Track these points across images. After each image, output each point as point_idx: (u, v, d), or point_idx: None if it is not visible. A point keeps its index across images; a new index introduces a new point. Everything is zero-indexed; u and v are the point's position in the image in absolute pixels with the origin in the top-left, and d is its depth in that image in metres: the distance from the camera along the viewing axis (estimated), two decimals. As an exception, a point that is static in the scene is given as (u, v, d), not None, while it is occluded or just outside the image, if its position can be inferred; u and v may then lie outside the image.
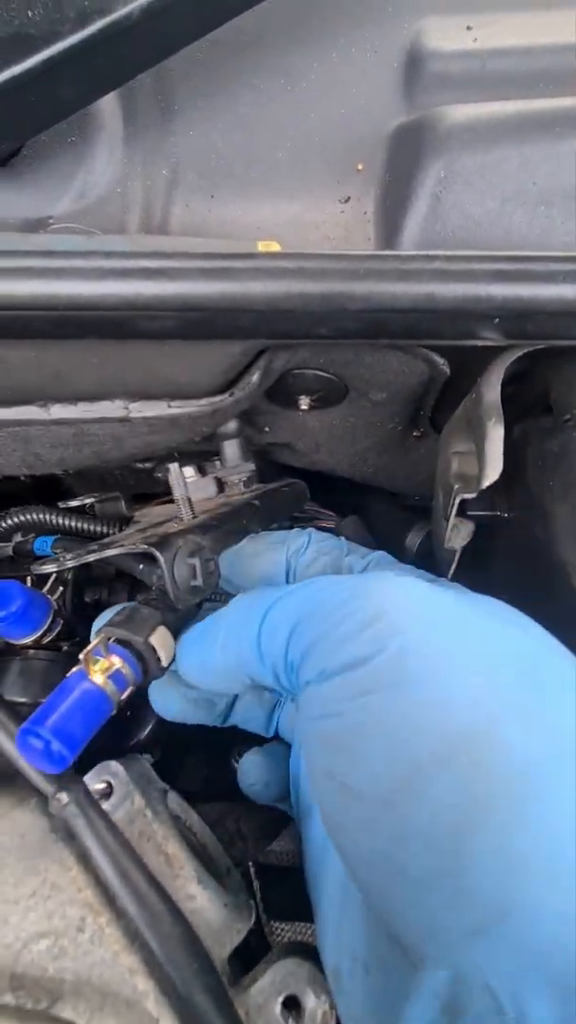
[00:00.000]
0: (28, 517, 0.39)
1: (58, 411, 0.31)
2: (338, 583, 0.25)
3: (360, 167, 0.32)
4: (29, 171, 0.32)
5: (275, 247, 0.28)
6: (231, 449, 0.38)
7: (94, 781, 0.27)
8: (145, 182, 0.33)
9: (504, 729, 0.19)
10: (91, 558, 0.29)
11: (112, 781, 0.27)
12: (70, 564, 0.30)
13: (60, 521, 0.40)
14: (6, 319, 0.25)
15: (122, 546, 0.29)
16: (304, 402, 0.36)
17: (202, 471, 0.41)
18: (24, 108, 0.28)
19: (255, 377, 0.31)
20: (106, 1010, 0.20)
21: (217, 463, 0.40)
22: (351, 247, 0.31)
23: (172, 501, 0.34)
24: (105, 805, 0.26)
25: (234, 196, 0.32)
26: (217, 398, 0.31)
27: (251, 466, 0.39)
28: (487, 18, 0.31)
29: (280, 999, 0.24)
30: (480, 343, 0.27)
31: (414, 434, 0.42)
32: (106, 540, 0.34)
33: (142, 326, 0.25)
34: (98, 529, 0.41)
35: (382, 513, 0.59)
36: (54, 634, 0.33)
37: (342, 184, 0.32)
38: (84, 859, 0.24)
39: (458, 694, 0.20)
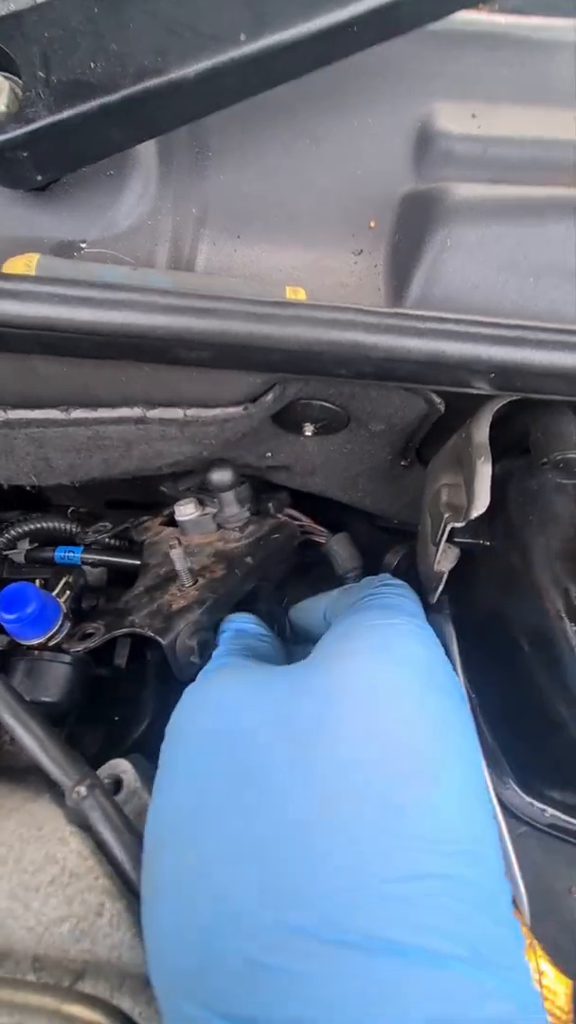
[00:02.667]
0: (46, 525, 0.41)
1: (78, 413, 0.33)
2: None
3: (372, 224, 0.36)
4: (67, 197, 0.34)
5: (301, 293, 0.31)
6: (228, 498, 0.41)
7: (104, 777, 0.29)
8: (175, 218, 0.35)
9: None
10: (119, 634, 0.32)
11: (122, 778, 0.29)
12: (107, 638, 0.33)
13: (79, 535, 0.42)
14: (57, 339, 0.27)
15: (136, 626, 0.33)
16: (308, 428, 0.39)
17: (202, 504, 0.44)
18: (74, 145, 0.30)
19: (269, 398, 0.34)
20: (124, 988, 0.22)
21: (216, 501, 0.43)
22: (363, 295, 0.35)
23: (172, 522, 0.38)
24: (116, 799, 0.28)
25: (258, 239, 0.35)
26: (231, 410, 0.34)
27: (246, 513, 0.42)
28: (490, 108, 0.35)
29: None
30: (474, 391, 0.30)
31: (402, 463, 0.46)
32: (126, 602, 0.37)
33: (181, 355, 0.28)
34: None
35: (361, 533, 0.62)
36: (62, 636, 0.35)
37: (356, 238, 0.36)
38: (100, 849, 0.25)
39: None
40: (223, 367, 0.29)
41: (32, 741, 0.27)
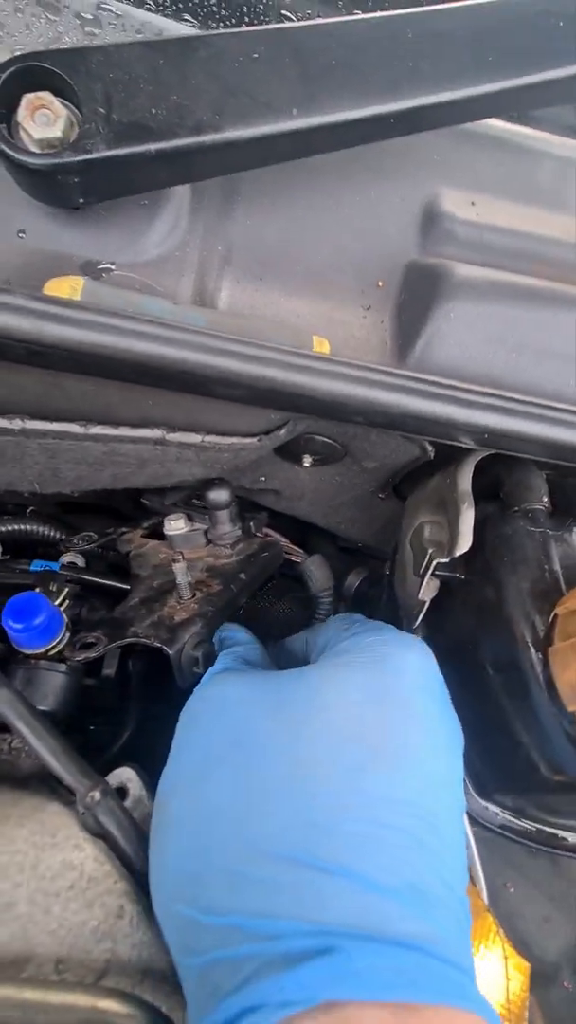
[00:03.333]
0: (26, 528, 0.41)
1: (97, 430, 0.34)
2: None
3: (380, 284, 0.40)
4: (100, 219, 0.35)
5: (326, 345, 0.34)
6: (222, 517, 0.43)
7: (113, 784, 0.30)
8: (202, 253, 0.37)
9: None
10: (122, 643, 0.33)
11: (127, 785, 0.30)
12: (110, 647, 0.34)
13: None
14: (101, 365, 0.28)
15: (139, 636, 0.35)
16: (307, 460, 0.42)
17: (191, 520, 0.45)
18: (122, 178, 0.32)
19: (282, 432, 0.37)
20: (145, 984, 0.23)
21: (207, 517, 0.45)
22: (371, 348, 0.38)
23: (157, 535, 0.40)
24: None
25: (278, 284, 0.38)
26: (247, 440, 0.36)
27: (238, 531, 0.44)
28: (489, 199, 0.41)
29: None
30: (462, 445, 0.35)
31: (380, 495, 0.50)
32: (123, 613, 0.38)
33: (218, 391, 0.30)
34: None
35: (326, 555, 0.66)
36: (61, 646, 0.35)
37: (365, 294, 0.40)
38: (115, 853, 0.26)
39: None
40: (253, 404, 0.31)
41: (45, 748, 0.28)
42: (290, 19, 0.39)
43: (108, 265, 0.35)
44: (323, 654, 0.34)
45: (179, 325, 0.28)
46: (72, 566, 0.45)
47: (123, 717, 0.40)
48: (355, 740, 0.26)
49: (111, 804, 0.27)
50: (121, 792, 0.30)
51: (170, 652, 0.32)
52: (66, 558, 0.46)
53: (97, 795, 0.27)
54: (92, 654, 0.32)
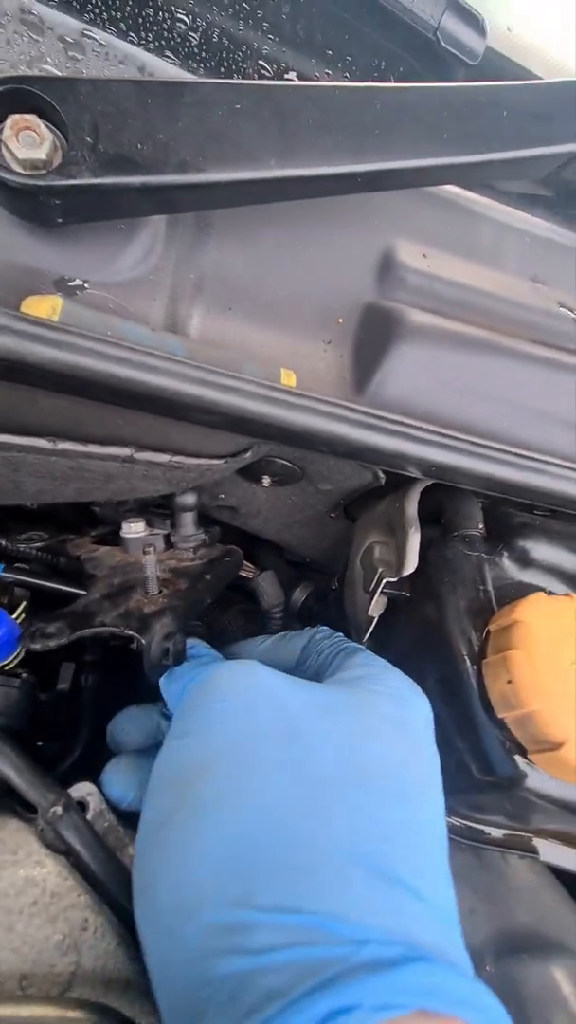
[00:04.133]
0: None
1: (65, 445, 0.34)
2: None
3: (340, 320, 0.43)
4: (76, 238, 0.36)
5: (292, 377, 0.37)
6: (187, 519, 0.44)
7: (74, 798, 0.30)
8: (175, 279, 0.39)
9: None
10: (88, 633, 0.33)
11: (88, 800, 0.30)
12: (74, 636, 0.33)
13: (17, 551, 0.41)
14: (80, 385, 0.29)
15: (107, 626, 0.35)
16: (266, 480, 0.44)
17: (150, 525, 0.46)
18: (104, 205, 0.33)
19: (248, 455, 0.39)
20: (110, 993, 0.24)
21: (167, 522, 0.46)
22: (331, 381, 0.41)
23: (107, 542, 0.40)
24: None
25: (246, 315, 0.40)
26: (215, 461, 0.38)
27: (202, 535, 0.45)
28: (439, 252, 0.45)
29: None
30: (410, 474, 0.39)
31: (331, 515, 0.53)
32: (85, 606, 0.37)
33: (193, 416, 0.31)
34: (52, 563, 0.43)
35: (273, 568, 0.68)
36: (17, 660, 0.35)
37: (325, 329, 0.43)
38: (79, 867, 0.27)
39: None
40: (224, 430, 0.33)
41: (7, 763, 0.27)
42: (266, 69, 0.42)
43: (81, 283, 0.36)
44: (336, 673, 0.35)
45: (160, 353, 0.29)
46: (17, 569, 0.43)
47: (74, 733, 0.40)
48: (397, 764, 0.28)
49: (74, 818, 0.27)
50: (81, 806, 0.30)
51: (143, 640, 0.32)
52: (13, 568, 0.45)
53: (59, 809, 0.27)
54: (52, 643, 0.32)
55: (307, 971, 0.20)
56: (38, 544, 0.43)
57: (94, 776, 0.38)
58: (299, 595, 0.67)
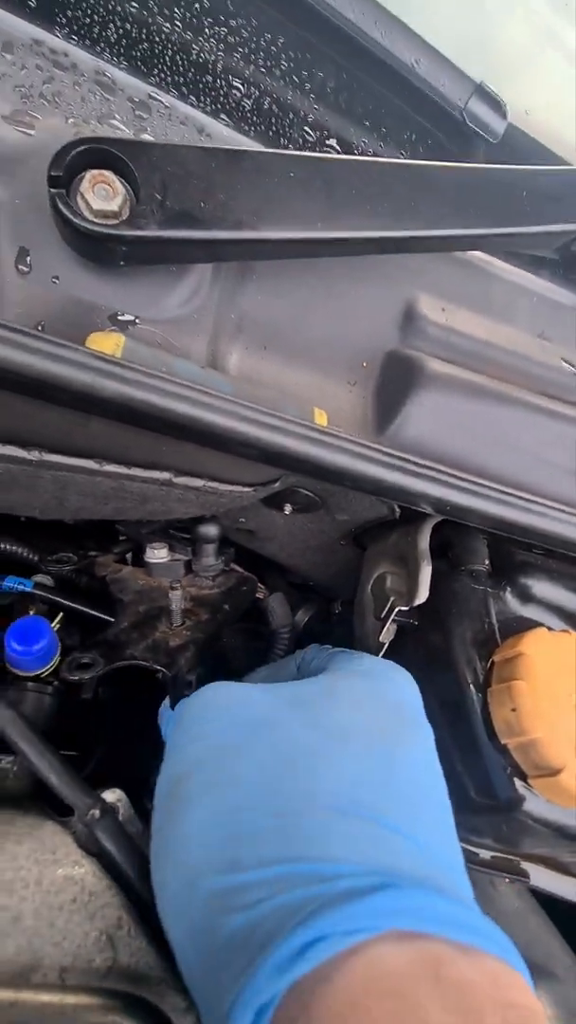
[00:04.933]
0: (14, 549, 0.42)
1: (111, 468, 0.37)
2: None
3: (364, 364, 0.47)
4: (130, 277, 0.39)
5: (324, 417, 0.40)
6: (209, 550, 0.47)
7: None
8: (217, 319, 0.42)
9: None
10: (120, 665, 0.36)
11: (118, 805, 0.32)
12: (104, 670, 0.36)
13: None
14: (138, 417, 0.31)
15: (137, 659, 0.37)
16: (288, 508, 0.47)
17: (172, 549, 0.48)
18: (164, 253, 0.36)
19: (276, 484, 0.41)
20: (142, 986, 0.26)
21: (189, 549, 0.48)
22: (355, 421, 0.44)
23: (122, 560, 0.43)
24: (117, 824, 0.31)
25: (280, 355, 0.44)
26: (246, 489, 0.41)
27: (221, 565, 0.48)
28: (456, 307, 0.49)
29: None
30: (425, 511, 0.42)
31: (341, 542, 0.56)
32: (115, 636, 0.40)
33: (236, 449, 0.34)
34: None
35: (277, 589, 0.71)
36: (51, 670, 0.36)
37: (351, 371, 0.46)
38: (113, 868, 0.28)
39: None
40: (260, 462, 0.36)
41: (48, 767, 0.29)
42: (310, 134, 0.46)
43: (133, 318, 0.39)
44: (323, 671, 0.38)
45: (212, 392, 0.32)
46: (42, 586, 0.46)
47: (91, 742, 0.42)
48: (369, 730, 0.30)
49: (109, 823, 0.29)
50: (115, 810, 0.32)
51: (170, 675, 0.34)
52: (37, 578, 0.47)
53: (97, 813, 0.29)
54: (87, 675, 0.34)
55: (291, 912, 0.21)
56: (69, 566, 0.45)
57: (108, 785, 0.40)
58: (302, 616, 0.69)
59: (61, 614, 0.39)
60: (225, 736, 0.30)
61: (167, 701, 0.37)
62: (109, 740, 0.43)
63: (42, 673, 0.35)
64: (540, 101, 0.53)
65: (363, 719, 0.31)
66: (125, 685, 0.49)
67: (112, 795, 0.32)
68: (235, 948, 0.21)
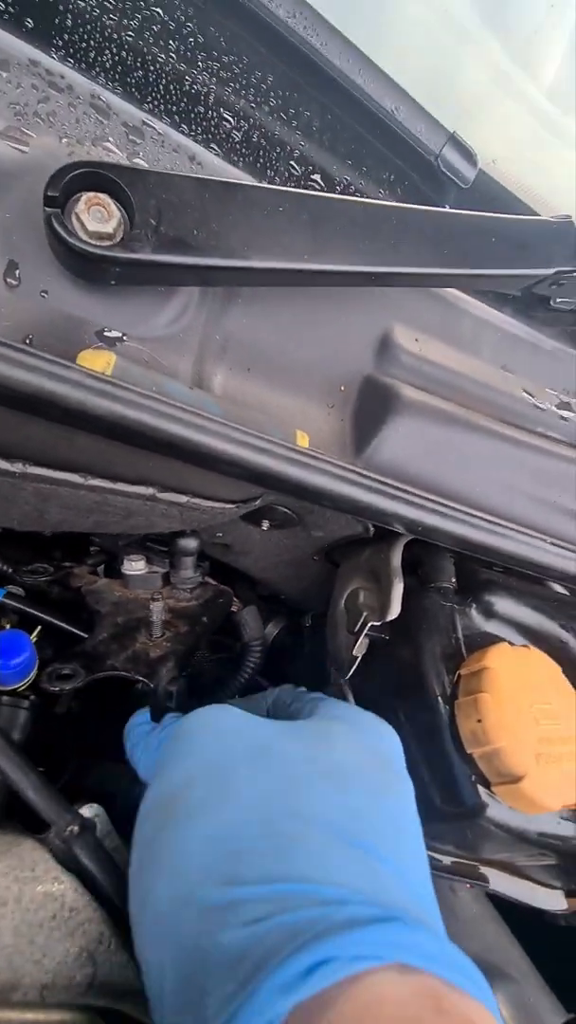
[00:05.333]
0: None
1: (96, 482, 0.37)
2: None
3: (342, 388, 0.49)
4: (118, 295, 0.39)
5: (306, 439, 0.41)
6: (188, 563, 0.48)
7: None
8: (202, 340, 0.43)
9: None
10: (100, 676, 0.36)
11: (96, 820, 0.32)
12: (85, 681, 0.36)
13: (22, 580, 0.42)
14: (127, 434, 0.32)
15: (118, 669, 0.37)
16: (265, 524, 0.48)
17: (150, 562, 0.49)
18: (156, 275, 0.37)
19: (257, 502, 0.43)
20: (125, 1002, 0.26)
21: (166, 561, 0.49)
22: (334, 442, 0.46)
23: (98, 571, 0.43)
24: (95, 839, 0.31)
25: (263, 377, 0.45)
26: (228, 506, 0.42)
27: (199, 577, 0.49)
28: (429, 338, 0.52)
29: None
30: (398, 530, 0.44)
31: (314, 558, 0.57)
32: (95, 647, 0.40)
33: (222, 468, 0.35)
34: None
35: (249, 602, 0.71)
36: (28, 684, 0.36)
37: (329, 395, 0.48)
38: (93, 884, 0.29)
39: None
40: (244, 480, 0.37)
41: (27, 783, 0.29)
42: (295, 168, 0.48)
43: (120, 335, 0.39)
44: (305, 715, 0.39)
45: (201, 412, 0.33)
46: (15, 596, 0.45)
47: (64, 757, 0.41)
48: (361, 774, 0.32)
49: (88, 838, 0.29)
50: (93, 826, 0.32)
51: (152, 686, 0.35)
52: (9, 589, 0.46)
53: (76, 829, 0.29)
54: (68, 686, 0.34)
55: (293, 933, 0.21)
56: (45, 577, 0.45)
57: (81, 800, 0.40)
58: (272, 629, 0.70)
59: (40, 628, 0.38)
60: (225, 755, 0.31)
61: (135, 717, 0.37)
62: (81, 755, 0.43)
63: (19, 687, 0.35)
64: (505, 151, 0.57)
65: (355, 764, 0.32)
66: (98, 699, 0.48)
67: (90, 810, 0.32)
68: (231, 965, 0.21)
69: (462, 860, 0.49)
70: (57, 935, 0.26)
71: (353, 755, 0.33)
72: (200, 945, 0.23)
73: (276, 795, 0.28)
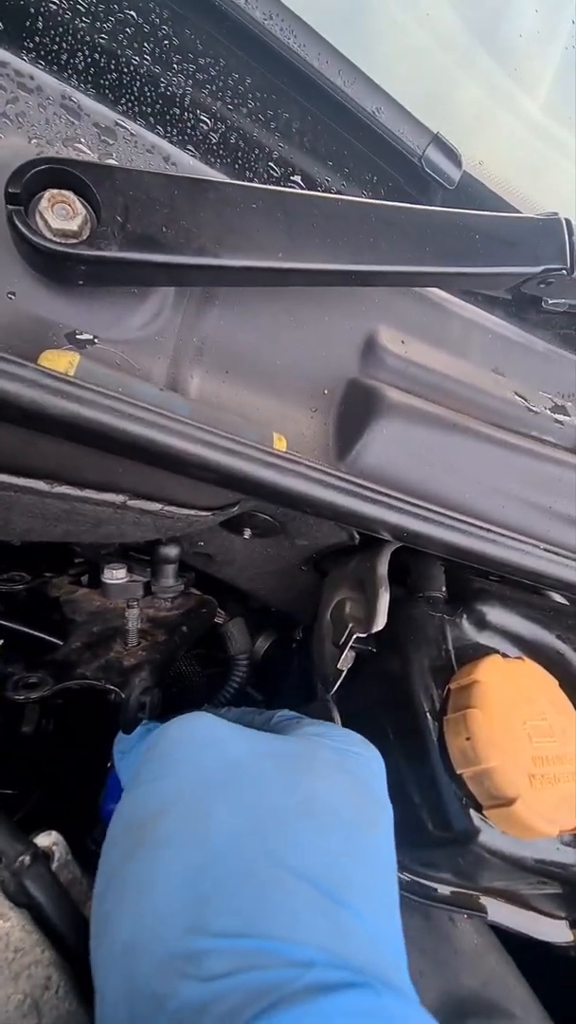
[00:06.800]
0: None
1: (63, 489, 0.36)
2: None
3: (326, 392, 0.47)
4: (90, 296, 0.38)
5: (284, 442, 0.40)
6: (169, 571, 0.46)
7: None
8: (178, 342, 0.42)
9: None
10: (70, 685, 0.34)
11: (54, 849, 0.30)
12: (56, 688, 0.34)
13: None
14: (91, 437, 0.30)
15: (88, 678, 0.35)
16: (247, 532, 0.46)
17: (131, 571, 0.47)
18: (124, 274, 0.36)
19: (235, 509, 0.41)
20: (70, 1055, 0.23)
21: (148, 570, 0.47)
22: (317, 447, 0.45)
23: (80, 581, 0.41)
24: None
25: (242, 380, 0.44)
26: (204, 513, 0.40)
27: (180, 586, 0.47)
28: (415, 340, 0.50)
29: None
30: (381, 536, 0.42)
31: (302, 568, 0.56)
32: (66, 655, 0.38)
33: (193, 472, 0.33)
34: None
35: (237, 614, 0.69)
36: (-11, 700, 0.34)
37: (312, 399, 0.47)
38: (42, 921, 0.26)
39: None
40: (218, 486, 0.35)
41: (-23, 810, 0.27)
42: (275, 170, 0.47)
43: (91, 337, 0.38)
44: (294, 731, 0.37)
45: (168, 414, 0.32)
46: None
47: (30, 781, 0.39)
48: (340, 807, 0.30)
49: (40, 870, 0.27)
50: (45, 856, 0.29)
51: (123, 695, 0.33)
52: (-19, 603, 0.45)
53: (27, 859, 0.27)
54: (35, 694, 0.32)
55: (257, 994, 0.21)
56: (20, 585, 0.43)
57: (52, 825, 0.37)
58: (262, 643, 0.68)
59: (0, 640, 0.37)
60: (200, 776, 0.29)
61: (126, 740, 0.35)
62: (50, 778, 0.40)
63: (-22, 704, 0.33)
64: (493, 154, 0.57)
65: (335, 794, 0.31)
66: (70, 718, 0.46)
67: (47, 839, 0.30)
68: (188, 1019, 0.20)
69: (460, 890, 0.46)
70: (0, 979, 0.24)
71: (334, 784, 0.31)
72: (157, 992, 0.22)
73: (251, 832, 0.27)
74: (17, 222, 0.32)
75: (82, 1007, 0.25)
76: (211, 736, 0.32)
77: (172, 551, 0.45)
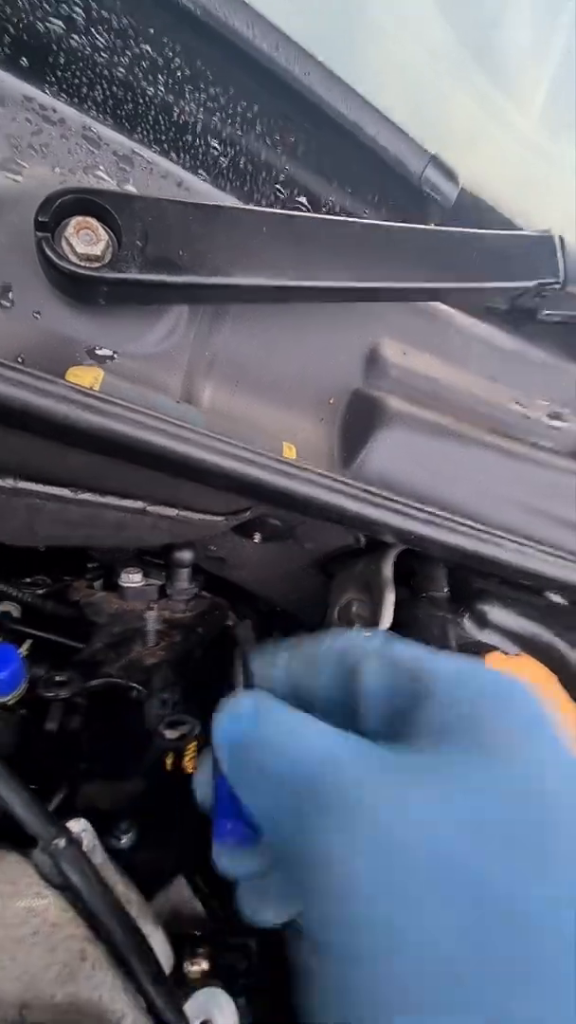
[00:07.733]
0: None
1: (86, 496, 0.38)
2: None
3: (331, 401, 0.50)
4: (109, 314, 0.40)
5: (293, 451, 0.42)
6: (183, 574, 0.48)
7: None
8: (192, 356, 0.44)
9: None
10: (96, 683, 0.36)
11: (83, 836, 0.32)
12: (81, 687, 0.36)
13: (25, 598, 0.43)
14: (114, 447, 0.32)
15: (113, 677, 0.37)
16: (257, 536, 0.49)
17: (146, 575, 0.49)
18: (143, 294, 0.38)
19: (247, 514, 0.43)
20: (104, 1022, 0.25)
21: (163, 573, 0.49)
22: (323, 454, 0.47)
23: (95, 582, 0.43)
24: (82, 854, 0.31)
25: (251, 392, 0.46)
26: (217, 518, 0.42)
27: (195, 589, 0.49)
28: (417, 351, 0.53)
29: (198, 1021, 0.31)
30: (389, 541, 0.44)
31: (309, 571, 0.58)
32: (92, 655, 0.40)
33: (211, 481, 0.36)
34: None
35: (246, 617, 0.71)
36: (18, 698, 0.36)
37: (318, 408, 0.49)
38: (77, 899, 0.28)
39: None
40: (232, 493, 0.38)
41: (14, 796, 0.29)
42: (281, 191, 0.49)
43: (111, 353, 0.40)
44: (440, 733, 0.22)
45: (188, 426, 0.34)
46: (8, 617, 0.45)
47: (56, 777, 0.41)
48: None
49: (75, 852, 0.29)
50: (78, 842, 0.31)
51: (144, 691, 0.35)
52: (2, 606, 0.47)
53: (62, 843, 0.29)
54: (63, 693, 0.34)
55: None
56: (43, 590, 0.45)
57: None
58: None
59: (29, 641, 0.39)
60: (407, 875, 0.18)
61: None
62: (74, 775, 0.42)
63: (8, 701, 0.35)
64: (488, 170, 0.59)
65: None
66: (92, 716, 0.48)
67: (77, 825, 0.32)
68: None
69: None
70: (38, 951, 0.25)
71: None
72: None
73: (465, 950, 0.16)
74: (46, 248, 0.34)
75: (116, 980, 0.26)
76: (413, 815, 0.19)
77: (186, 555, 0.47)
